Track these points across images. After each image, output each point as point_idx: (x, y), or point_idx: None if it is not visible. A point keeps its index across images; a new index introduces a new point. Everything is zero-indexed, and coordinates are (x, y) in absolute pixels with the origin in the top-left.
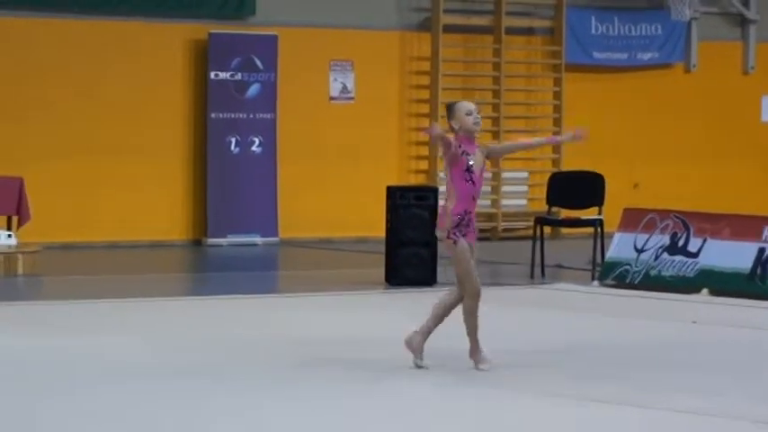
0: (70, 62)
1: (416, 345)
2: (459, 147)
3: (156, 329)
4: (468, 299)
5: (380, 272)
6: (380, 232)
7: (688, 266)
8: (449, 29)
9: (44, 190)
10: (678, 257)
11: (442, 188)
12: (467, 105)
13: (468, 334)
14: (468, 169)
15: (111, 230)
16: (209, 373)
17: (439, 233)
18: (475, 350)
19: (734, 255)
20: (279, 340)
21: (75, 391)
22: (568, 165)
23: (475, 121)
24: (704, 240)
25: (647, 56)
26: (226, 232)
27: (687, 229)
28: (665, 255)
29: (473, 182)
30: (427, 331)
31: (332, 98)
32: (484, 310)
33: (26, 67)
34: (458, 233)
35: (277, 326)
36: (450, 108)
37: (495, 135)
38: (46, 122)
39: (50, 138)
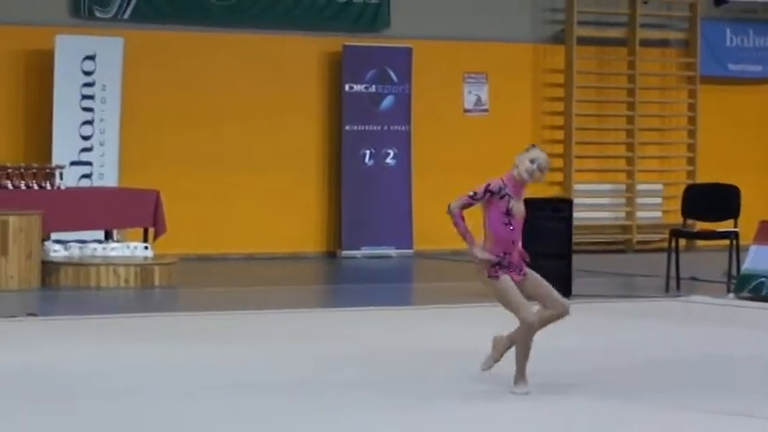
0: (208, 75)
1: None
2: (504, 187)
3: (290, 341)
4: (521, 330)
5: None
6: None
7: None
8: (582, 41)
9: (180, 202)
10: None
11: (577, 200)
12: (537, 154)
13: (518, 359)
14: (509, 212)
15: (247, 242)
16: (352, 386)
17: (479, 273)
18: (519, 378)
19: None
20: (413, 353)
21: (217, 402)
22: (703, 177)
23: (530, 171)
24: None
25: None
26: (360, 244)
27: None
28: None
29: (512, 226)
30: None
31: (466, 110)
32: (619, 323)
33: (166, 79)
34: (499, 270)
35: (411, 338)
36: (528, 148)
37: (630, 147)
38: (183, 135)
39: (188, 150)
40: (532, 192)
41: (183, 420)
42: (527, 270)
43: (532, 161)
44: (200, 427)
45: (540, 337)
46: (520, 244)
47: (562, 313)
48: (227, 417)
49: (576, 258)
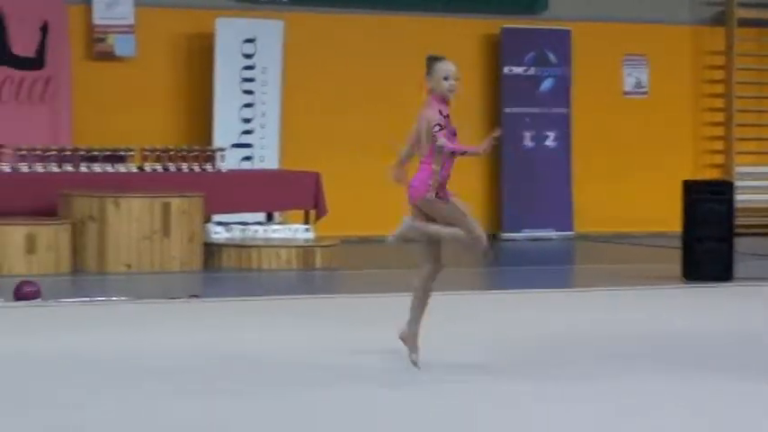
0: (366, 57)
1: (408, 339)
2: (440, 112)
3: (454, 323)
4: (469, 243)
5: (676, 267)
6: (675, 227)
7: None
8: (743, 23)
9: (340, 184)
10: None
11: (739, 183)
12: (445, 68)
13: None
14: (455, 134)
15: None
16: (524, 370)
17: (429, 195)
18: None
19: None
20: (575, 335)
21: (380, 384)
22: None
23: (450, 87)
24: None
25: None
26: (521, 227)
27: None
28: None
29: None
30: (414, 323)
31: (626, 93)
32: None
33: (325, 62)
34: (445, 194)
35: (572, 320)
36: (429, 64)
37: None
38: (343, 117)
39: (347, 132)
40: (691, 174)
41: (388, 402)
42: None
43: (446, 78)
44: (410, 411)
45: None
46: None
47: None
48: (431, 399)
49: (738, 241)
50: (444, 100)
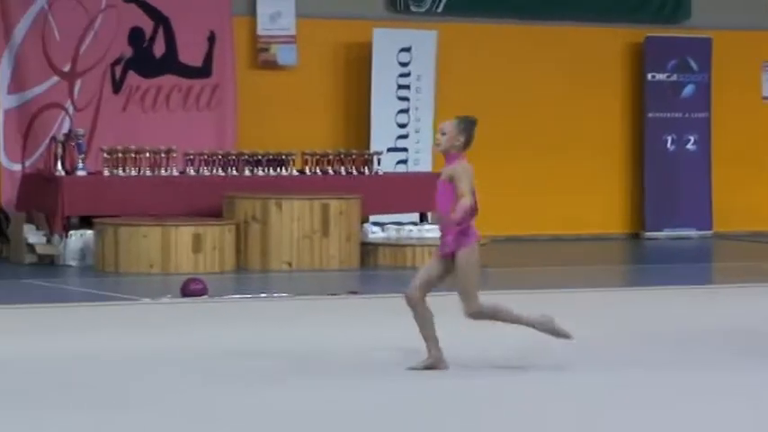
0: (515, 64)
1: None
2: None
3: (602, 319)
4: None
5: None
6: None
7: None
8: None
9: (491, 186)
10: None
11: None
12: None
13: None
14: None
15: (555, 224)
16: (670, 363)
17: None
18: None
19: None
20: (717, 330)
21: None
22: None
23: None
24: None
25: None
26: (662, 226)
27: None
28: None
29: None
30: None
31: (765, 98)
32: None
33: (476, 69)
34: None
35: (714, 316)
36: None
37: None
38: (493, 124)
39: (497, 137)
40: None
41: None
42: None
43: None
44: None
45: None
46: None
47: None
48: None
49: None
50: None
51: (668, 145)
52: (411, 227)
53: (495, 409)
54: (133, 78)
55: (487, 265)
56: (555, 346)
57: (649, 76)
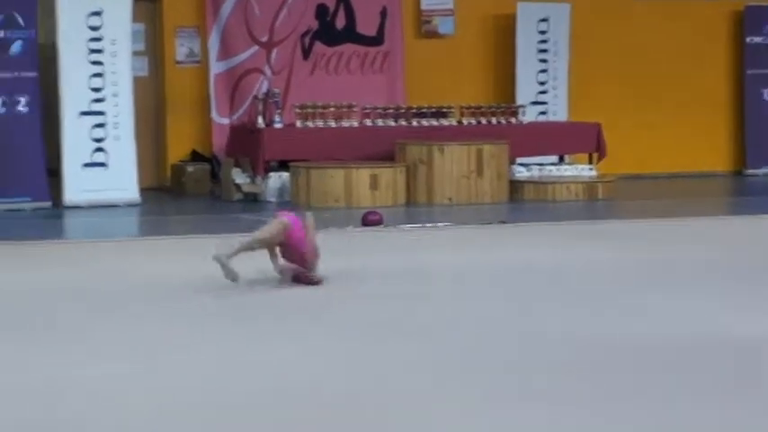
0: (638, 32)
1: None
2: None
3: (715, 244)
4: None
5: None
6: None
7: None
8: None
9: (617, 133)
10: None
11: None
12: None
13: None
14: None
15: (670, 163)
16: None
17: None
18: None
19: None
20: None
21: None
22: None
23: None
24: None
25: None
26: (762, 164)
27: None
28: None
29: None
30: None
31: None
32: None
33: (605, 38)
34: None
35: None
36: None
37: None
38: (620, 82)
39: (622, 93)
40: None
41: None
42: None
43: None
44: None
45: None
46: None
47: None
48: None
49: None
50: None
51: (764, 96)
52: (551, 167)
53: None
54: (319, 47)
55: (615, 198)
56: None
57: (748, 39)
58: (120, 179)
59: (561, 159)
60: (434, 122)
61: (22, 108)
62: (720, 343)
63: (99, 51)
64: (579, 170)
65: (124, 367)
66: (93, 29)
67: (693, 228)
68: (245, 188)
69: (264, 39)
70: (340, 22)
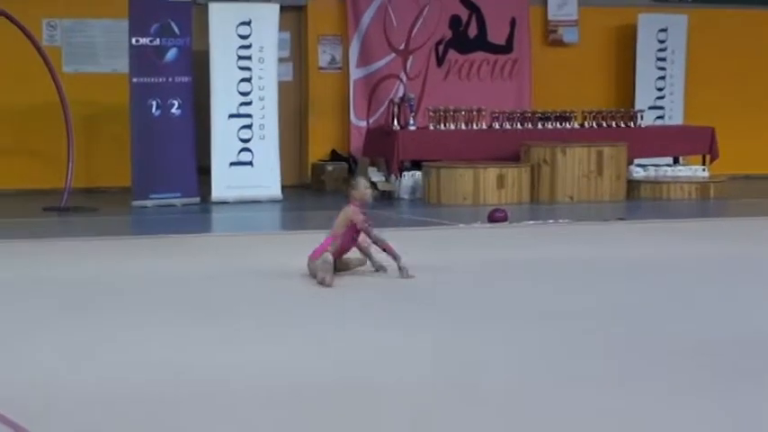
0: (745, 41)
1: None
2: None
3: None
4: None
5: None
6: None
7: None
8: None
9: (729, 136)
10: None
11: None
12: (365, 183)
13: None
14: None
15: None
16: None
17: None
18: None
19: None
20: None
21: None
22: None
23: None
24: None
25: None
26: None
27: None
28: None
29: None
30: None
31: None
32: None
33: (716, 45)
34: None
35: None
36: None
37: None
38: (731, 89)
39: (736, 99)
40: None
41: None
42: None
43: (367, 188)
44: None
45: None
46: None
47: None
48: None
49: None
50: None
51: None
52: (666, 168)
53: None
54: (452, 54)
55: (727, 197)
56: None
57: None
58: (265, 177)
59: (676, 161)
60: (558, 125)
61: (175, 111)
62: None
63: (247, 58)
64: (693, 171)
65: (268, 348)
66: (243, 37)
67: None
68: (380, 186)
69: (401, 47)
70: (472, 32)
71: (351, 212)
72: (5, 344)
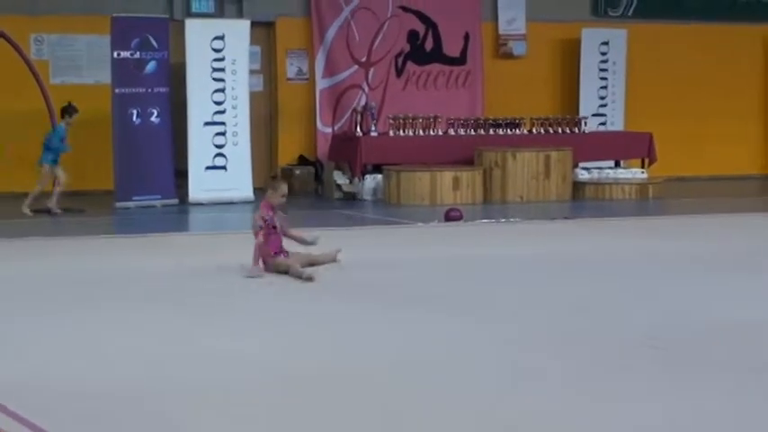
0: (680, 53)
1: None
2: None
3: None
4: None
5: None
6: None
7: None
8: None
9: (666, 141)
10: None
11: None
12: (284, 188)
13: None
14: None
15: (710, 166)
16: None
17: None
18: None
19: None
20: None
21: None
22: None
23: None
24: None
25: None
26: None
27: None
28: None
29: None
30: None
31: None
32: None
33: (653, 58)
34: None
35: None
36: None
37: None
38: (668, 96)
39: (670, 106)
40: None
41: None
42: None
43: (283, 195)
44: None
45: None
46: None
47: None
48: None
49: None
50: (273, 207)
51: None
52: (608, 170)
53: None
54: (410, 66)
55: (664, 197)
56: None
57: None
58: (238, 180)
59: (617, 164)
60: (508, 131)
61: (154, 119)
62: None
63: (221, 70)
64: (633, 173)
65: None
66: (217, 51)
67: (731, 222)
68: (345, 188)
69: (363, 59)
70: (429, 45)
71: (258, 212)
72: (5, 338)
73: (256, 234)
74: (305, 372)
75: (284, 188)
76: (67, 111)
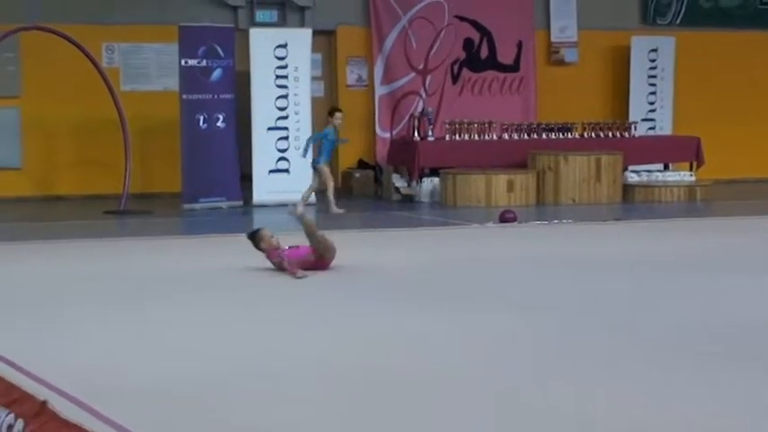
0: (730, 61)
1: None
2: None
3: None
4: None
5: None
6: None
7: None
8: None
9: (713, 145)
10: None
11: None
12: (266, 234)
13: None
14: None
15: (759, 169)
16: None
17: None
18: None
19: None
20: None
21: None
22: None
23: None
24: None
25: None
26: None
27: None
28: None
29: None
30: None
31: None
32: None
33: (701, 65)
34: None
35: None
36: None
37: None
38: (715, 101)
39: (721, 111)
40: None
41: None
42: None
43: (272, 236)
44: None
45: None
46: None
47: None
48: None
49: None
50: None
51: None
52: (657, 173)
53: None
54: (466, 73)
55: (712, 199)
56: None
57: None
58: (300, 183)
59: (666, 167)
60: (560, 136)
61: (220, 124)
62: None
63: (284, 77)
64: (681, 176)
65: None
66: (280, 58)
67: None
68: (403, 191)
69: (420, 66)
70: (484, 53)
71: (271, 261)
72: (72, 331)
73: (288, 270)
74: (375, 370)
75: (266, 233)
76: (330, 113)
